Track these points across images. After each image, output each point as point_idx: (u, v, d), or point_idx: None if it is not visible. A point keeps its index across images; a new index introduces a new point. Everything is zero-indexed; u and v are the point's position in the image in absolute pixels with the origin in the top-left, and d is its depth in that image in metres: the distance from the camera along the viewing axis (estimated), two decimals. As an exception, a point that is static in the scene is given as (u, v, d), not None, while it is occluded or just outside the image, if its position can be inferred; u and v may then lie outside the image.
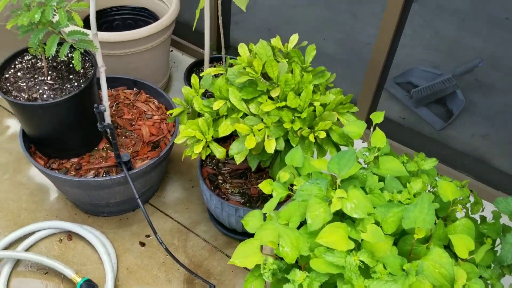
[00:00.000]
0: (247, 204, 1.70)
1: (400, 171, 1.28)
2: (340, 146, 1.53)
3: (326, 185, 1.19)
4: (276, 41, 1.64)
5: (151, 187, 1.86)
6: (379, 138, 1.34)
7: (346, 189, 1.19)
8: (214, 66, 2.25)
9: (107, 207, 1.80)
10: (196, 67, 2.23)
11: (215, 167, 1.80)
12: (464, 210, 1.34)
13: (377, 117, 1.41)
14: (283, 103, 1.43)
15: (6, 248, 1.73)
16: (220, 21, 1.94)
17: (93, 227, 1.82)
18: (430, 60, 2.84)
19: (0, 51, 2.21)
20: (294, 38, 1.65)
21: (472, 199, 1.38)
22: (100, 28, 2.38)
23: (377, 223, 1.14)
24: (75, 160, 1.73)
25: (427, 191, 1.31)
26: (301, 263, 1.16)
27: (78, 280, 1.59)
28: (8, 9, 1.54)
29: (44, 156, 1.72)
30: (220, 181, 1.76)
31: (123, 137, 1.83)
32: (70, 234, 1.80)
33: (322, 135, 1.42)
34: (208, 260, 1.78)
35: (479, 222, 1.33)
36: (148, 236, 1.84)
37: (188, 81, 2.12)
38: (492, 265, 1.23)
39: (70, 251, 1.76)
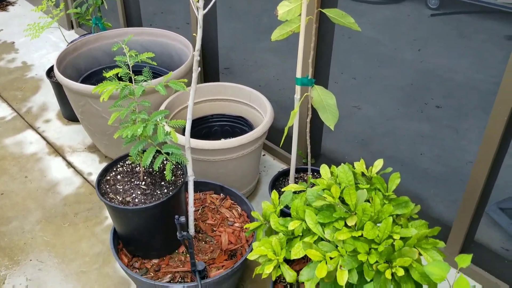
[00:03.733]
0: (317, 332, 1.60)
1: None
2: (422, 285, 1.41)
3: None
4: (359, 165, 1.63)
5: (224, 296, 1.85)
6: (463, 286, 1.21)
7: None
8: (300, 178, 2.28)
9: (179, 311, 1.81)
10: (283, 176, 2.27)
11: (288, 286, 1.75)
12: None
13: (463, 260, 1.29)
14: (360, 233, 1.38)
15: None
16: (308, 137, 1.99)
17: (164, 330, 1.83)
18: (543, 186, 2.58)
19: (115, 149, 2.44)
20: (378, 164, 1.63)
21: None
22: (200, 133, 2.59)
23: None
24: (156, 261, 1.80)
25: None
26: None
27: None
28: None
29: (129, 253, 1.82)
30: (292, 301, 1.70)
31: (203, 242, 1.88)
32: (141, 334, 1.83)
33: (400, 272, 1.33)
34: None
35: None
36: None
37: (271, 190, 2.15)
38: None
39: None
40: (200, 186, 2.12)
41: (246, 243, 1.88)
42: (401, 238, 1.41)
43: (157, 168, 1.59)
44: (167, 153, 1.65)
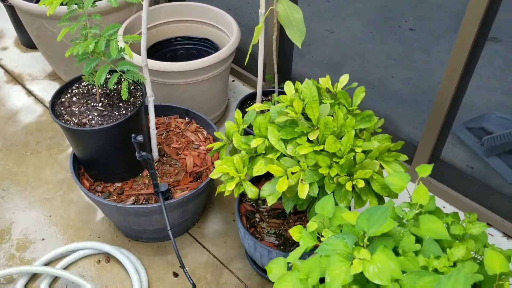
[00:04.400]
0: (282, 247, 1.62)
1: (441, 234, 1.14)
2: (383, 197, 1.42)
3: (353, 241, 1.09)
4: (325, 81, 1.58)
5: (190, 217, 1.85)
6: (421, 194, 1.21)
7: (375, 248, 1.09)
8: (268, 100, 2.23)
9: (145, 233, 1.81)
10: (250, 99, 2.22)
11: (254, 204, 1.75)
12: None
13: (424, 170, 1.28)
14: (321, 147, 1.36)
15: (48, 263, 1.79)
16: (275, 57, 1.92)
17: (131, 252, 1.84)
18: (510, 106, 2.60)
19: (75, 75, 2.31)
20: (344, 79, 1.58)
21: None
22: (164, 56, 2.48)
23: (404, 292, 1.02)
24: (119, 184, 1.77)
25: (472, 259, 1.16)
26: (316, 326, 1.07)
27: (107, 305, 1.61)
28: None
29: (91, 178, 1.78)
30: (257, 219, 1.71)
31: (168, 166, 1.85)
32: (109, 256, 1.83)
33: (361, 184, 1.33)
34: (238, 300, 1.72)
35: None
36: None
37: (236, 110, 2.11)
38: None
39: (106, 273, 1.78)
40: (164, 110, 2.05)
41: (212, 165, 1.86)
42: (363, 152, 1.39)
43: (112, 86, 1.51)
44: (123, 72, 1.56)
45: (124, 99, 1.60)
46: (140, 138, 1.42)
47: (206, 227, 1.95)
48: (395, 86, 2.72)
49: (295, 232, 1.32)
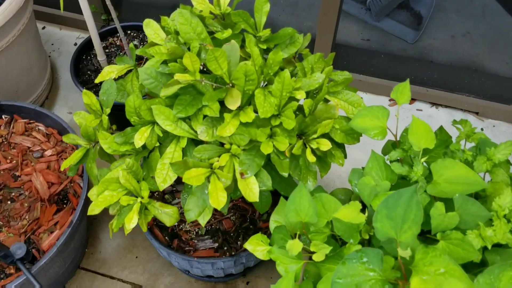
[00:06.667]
0: (225, 248, 1.17)
1: (474, 181, 0.77)
2: (344, 144, 0.99)
3: (380, 259, 0.67)
4: (201, 2, 1.00)
5: (76, 254, 1.26)
6: (422, 133, 0.81)
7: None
8: (112, 45, 1.56)
9: (22, 307, 1.20)
10: (86, 52, 1.52)
11: (161, 205, 1.22)
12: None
13: (402, 94, 0.87)
14: (252, 115, 0.84)
15: None
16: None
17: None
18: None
19: None
20: (227, -11, 1.01)
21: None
22: None
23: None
24: None
25: None
26: None
27: None
28: None
29: None
30: (175, 223, 1.20)
31: (9, 202, 1.18)
32: None
33: (326, 146, 0.87)
34: (191, 327, 1.28)
35: None
36: (96, 319, 1.29)
37: (77, 78, 1.43)
38: None
39: None
40: (-39, 117, 1.30)
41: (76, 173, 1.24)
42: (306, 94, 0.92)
43: None
44: None
45: None
46: None
47: (102, 249, 1.39)
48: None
49: (255, 246, 0.86)
